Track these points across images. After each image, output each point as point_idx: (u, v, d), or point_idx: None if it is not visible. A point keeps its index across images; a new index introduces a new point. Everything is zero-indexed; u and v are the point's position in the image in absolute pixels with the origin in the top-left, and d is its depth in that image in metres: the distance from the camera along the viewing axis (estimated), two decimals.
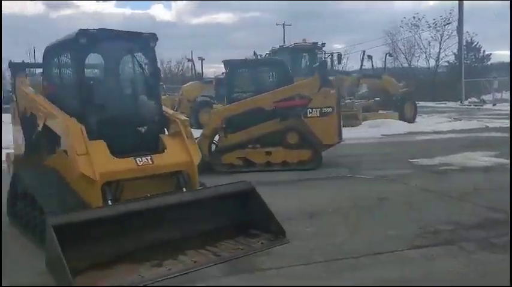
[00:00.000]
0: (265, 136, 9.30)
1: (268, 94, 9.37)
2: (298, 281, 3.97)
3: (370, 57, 20.90)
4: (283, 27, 54.35)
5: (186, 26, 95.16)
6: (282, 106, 9.19)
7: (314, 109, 9.18)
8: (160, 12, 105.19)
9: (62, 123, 5.04)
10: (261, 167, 9.19)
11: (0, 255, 4.66)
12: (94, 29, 5.21)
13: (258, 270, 4.22)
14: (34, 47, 65.08)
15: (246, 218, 5.13)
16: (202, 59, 21.85)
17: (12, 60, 6.41)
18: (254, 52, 21.43)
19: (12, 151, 6.55)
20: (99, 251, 4.30)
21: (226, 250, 4.59)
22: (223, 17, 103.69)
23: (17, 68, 6.47)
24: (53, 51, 5.81)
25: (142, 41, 5.55)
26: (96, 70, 5.94)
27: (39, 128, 5.56)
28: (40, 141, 5.88)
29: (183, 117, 5.70)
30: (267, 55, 20.48)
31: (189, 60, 24.73)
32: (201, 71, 22.46)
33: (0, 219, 5.83)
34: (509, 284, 3.74)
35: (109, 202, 4.78)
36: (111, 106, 5.38)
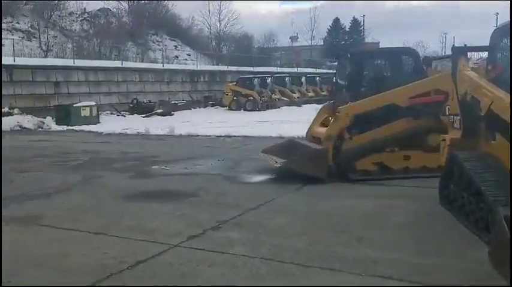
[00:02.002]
0: (400, 138, 8.07)
1: (401, 89, 7.90)
2: None
3: None
4: None
5: None
6: (417, 103, 7.83)
7: None
8: None
9: None
10: (398, 173, 7.97)
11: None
12: None
13: None
14: (445, 33, 66.55)
15: None
16: None
17: (454, 45, 6.53)
18: None
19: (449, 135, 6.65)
20: None
21: None
22: None
23: (459, 51, 6.52)
24: (503, 32, 5.50)
25: None
26: None
27: (482, 113, 5.40)
28: (478, 126, 5.75)
29: None
30: None
31: None
32: None
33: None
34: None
35: None
36: None
